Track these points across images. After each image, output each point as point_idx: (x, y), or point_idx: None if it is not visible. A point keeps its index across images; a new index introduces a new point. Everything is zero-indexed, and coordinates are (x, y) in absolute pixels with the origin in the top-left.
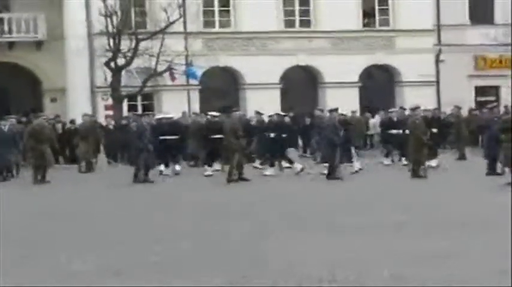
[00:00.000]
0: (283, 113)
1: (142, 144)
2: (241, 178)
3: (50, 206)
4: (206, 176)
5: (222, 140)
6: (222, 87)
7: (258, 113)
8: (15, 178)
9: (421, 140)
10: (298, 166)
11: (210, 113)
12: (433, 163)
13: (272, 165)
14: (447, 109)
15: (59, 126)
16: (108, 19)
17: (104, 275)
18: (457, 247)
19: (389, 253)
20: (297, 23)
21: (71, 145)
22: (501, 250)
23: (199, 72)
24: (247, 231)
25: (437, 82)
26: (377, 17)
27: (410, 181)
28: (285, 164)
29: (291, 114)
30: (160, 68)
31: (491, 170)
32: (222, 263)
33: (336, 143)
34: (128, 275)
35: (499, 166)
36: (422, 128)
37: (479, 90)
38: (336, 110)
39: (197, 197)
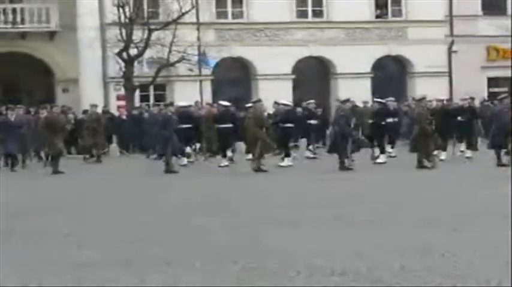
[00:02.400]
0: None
1: (168, 133)
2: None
3: (56, 196)
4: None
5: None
6: (234, 77)
7: (276, 103)
8: (21, 168)
9: (426, 131)
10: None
11: (221, 102)
12: (442, 155)
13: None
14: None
15: (71, 117)
16: (121, 9)
17: (113, 266)
18: (467, 240)
19: (398, 246)
20: (310, 14)
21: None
22: (507, 242)
23: (212, 61)
24: (251, 223)
25: (450, 73)
26: (389, 8)
27: (416, 171)
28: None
29: (304, 104)
30: (172, 59)
31: (501, 161)
32: (231, 253)
33: (348, 134)
34: (137, 266)
35: (504, 158)
36: (428, 119)
37: (492, 81)
38: (348, 100)
39: (205, 189)
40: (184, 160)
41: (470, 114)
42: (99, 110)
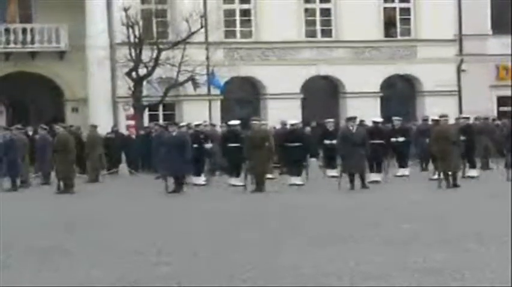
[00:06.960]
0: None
1: (182, 154)
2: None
3: (62, 216)
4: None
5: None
6: (243, 97)
7: (283, 123)
8: (25, 187)
9: (456, 149)
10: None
11: (229, 122)
12: (473, 172)
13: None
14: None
15: (85, 135)
16: (130, 29)
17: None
18: (476, 259)
19: (408, 265)
20: (318, 33)
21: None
22: None
23: (221, 82)
24: (261, 242)
25: (459, 92)
26: (398, 27)
27: (427, 191)
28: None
29: (313, 124)
30: (181, 78)
31: None
32: (243, 271)
33: (364, 153)
34: (146, 285)
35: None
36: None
37: (502, 100)
38: (354, 118)
39: (215, 207)
40: (201, 180)
41: (469, 134)
42: (109, 129)
